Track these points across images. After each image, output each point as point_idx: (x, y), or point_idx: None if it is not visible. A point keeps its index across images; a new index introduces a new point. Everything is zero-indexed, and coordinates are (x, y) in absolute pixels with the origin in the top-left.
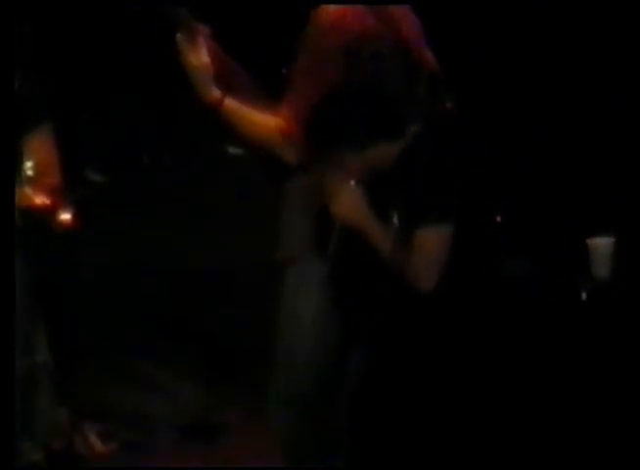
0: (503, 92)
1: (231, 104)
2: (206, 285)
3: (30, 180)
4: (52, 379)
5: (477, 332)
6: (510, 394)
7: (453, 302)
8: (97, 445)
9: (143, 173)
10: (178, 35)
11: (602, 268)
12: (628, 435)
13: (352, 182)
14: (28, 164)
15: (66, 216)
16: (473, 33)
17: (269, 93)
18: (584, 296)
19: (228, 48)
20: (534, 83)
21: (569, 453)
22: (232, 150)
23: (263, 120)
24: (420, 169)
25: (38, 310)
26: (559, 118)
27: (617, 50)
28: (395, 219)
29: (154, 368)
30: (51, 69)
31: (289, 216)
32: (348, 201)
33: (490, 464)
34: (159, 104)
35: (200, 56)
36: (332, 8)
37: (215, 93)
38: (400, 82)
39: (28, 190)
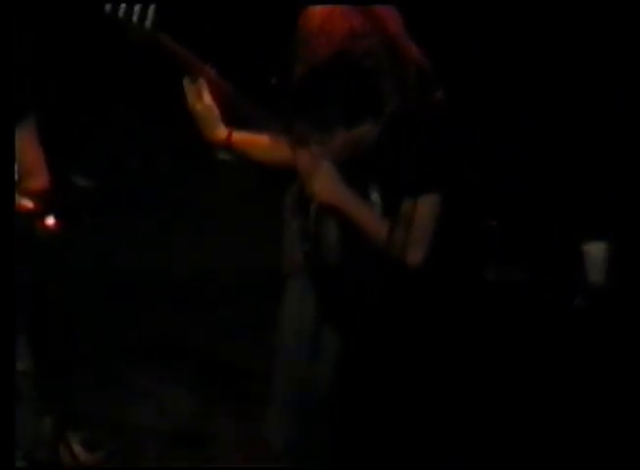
0: (500, 92)
1: (238, 137)
2: (204, 289)
3: (15, 183)
4: (35, 388)
5: (471, 337)
6: (505, 398)
7: (443, 300)
8: (81, 454)
9: (133, 178)
10: (184, 80)
11: (597, 273)
12: (623, 439)
13: (328, 161)
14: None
15: (51, 221)
16: (465, 26)
17: (261, 104)
18: (579, 300)
19: (217, 63)
20: (532, 86)
21: (564, 456)
22: (223, 154)
23: (273, 142)
24: (404, 147)
25: (21, 318)
26: (555, 123)
27: (616, 48)
28: (376, 195)
29: (141, 376)
30: (42, 72)
31: (288, 228)
32: (325, 179)
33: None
34: (153, 107)
35: (202, 99)
36: (317, 11)
37: (222, 133)
38: (390, 78)
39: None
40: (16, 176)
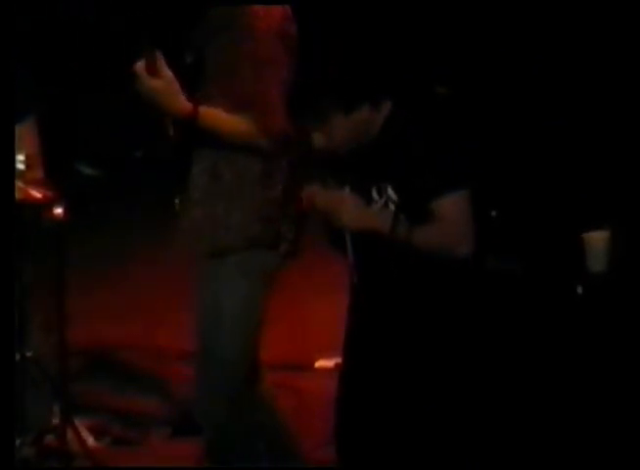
0: (498, 85)
1: (205, 110)
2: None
3: (22, 174)
4: (43, 374)
5: (471, 328)
6: (505, 389)
7: (442, 295)
8: (89, 440)
9: (137, 168)
10: (138, 64)
11: (597, 263)
12: (626, 432)
13: (347, 190)
14: (20, 158)
15: (58, 210)
16: (469, 23)
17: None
18: (580, 290)
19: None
20: (528, 77)
21: (566, 451)
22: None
23: (236, 118)
24: (417, 145)
25: (29, 306)
26: (553, 113)
27: (616, 44)
28: (391, 192)
29: (149, 363)
30: (45, 62)
31: None
32: (351, 209)
33: (486, 463)
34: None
35: (162, 73)
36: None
37: (187, 104)
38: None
39: (20, 184)
40: (23, 166)
